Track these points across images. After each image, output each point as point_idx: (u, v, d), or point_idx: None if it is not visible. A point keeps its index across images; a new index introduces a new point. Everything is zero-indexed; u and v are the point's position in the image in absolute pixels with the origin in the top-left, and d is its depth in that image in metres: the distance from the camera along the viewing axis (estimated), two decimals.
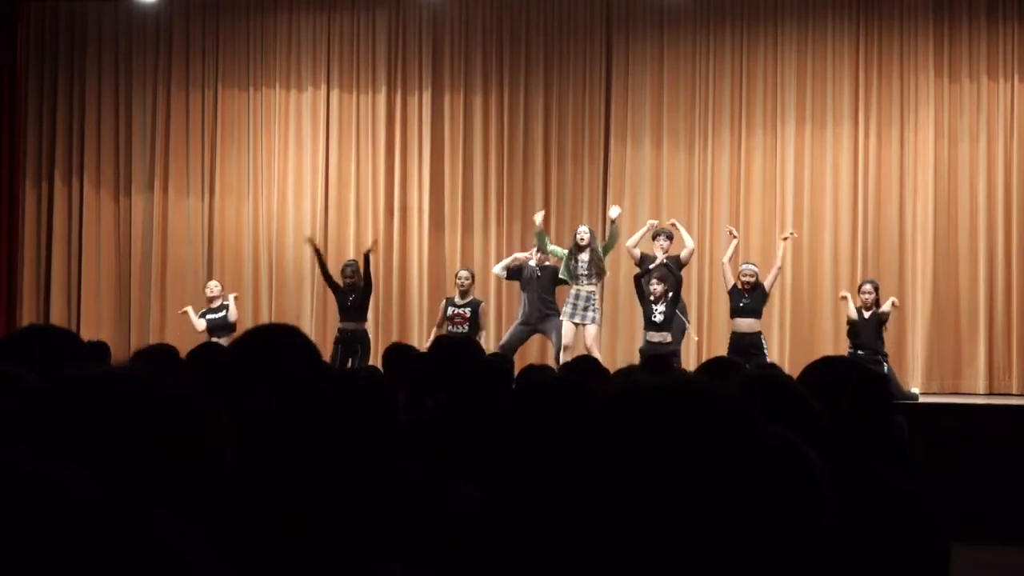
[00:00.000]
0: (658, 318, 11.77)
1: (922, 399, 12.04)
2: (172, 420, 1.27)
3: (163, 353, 4.90)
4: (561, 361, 11.68)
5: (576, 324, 12.20)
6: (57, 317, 14.49)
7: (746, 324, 12.02)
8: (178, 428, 1.27)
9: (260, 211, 14.84)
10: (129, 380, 1.31)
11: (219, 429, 1.30)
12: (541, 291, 12.37)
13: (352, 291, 12.53)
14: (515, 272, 12.51)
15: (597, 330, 12.30)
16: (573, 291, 12.20)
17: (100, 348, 6.68)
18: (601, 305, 12.98)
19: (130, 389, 1.30)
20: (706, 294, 14.10)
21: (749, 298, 12.10)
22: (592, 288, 12.24)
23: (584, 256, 12.25)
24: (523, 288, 12.47)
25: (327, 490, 2.14)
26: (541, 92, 14.63)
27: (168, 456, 1.25)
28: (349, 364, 12.05)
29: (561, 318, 12.24)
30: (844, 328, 12.35)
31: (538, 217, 12.64)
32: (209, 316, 12.97)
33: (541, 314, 12.36)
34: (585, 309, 12.16)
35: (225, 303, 13.04)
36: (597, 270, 12.22)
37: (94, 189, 15.01)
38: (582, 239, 12.21)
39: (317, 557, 2.02)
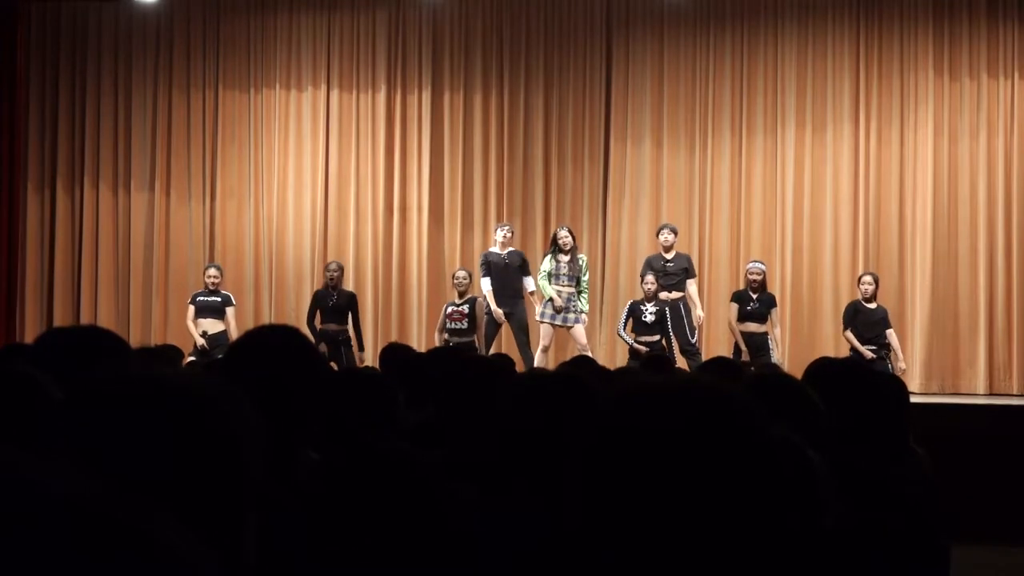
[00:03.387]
0: (648, 318, 11.98)
1: (922, 399, 12.03)
2: (199, 423, 1.27)
3: (168, 354, 4.89)
4: (536, 363, 11.73)
5: (558, 326, 12.24)
6: (59, 319, 14.50)
7: (754, 325, 12.10)
8: (205, 431, 1.26)
9: (260, 211, 14.83)
10: (156, 382, 1.30)
11: (247, 433, 1.29)
12: (510, 278, 12.42)
13: (334, 292, 12.57)
14: (486, 268, 12.53)
15: (583, 328, 12.32)
16: (552, 292, 12.23)
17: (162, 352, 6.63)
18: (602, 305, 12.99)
19: (157, 391, 1.29)
20: (706, 295, 14.09)
21: (758, 303, 12.13)
22: (572, 289, 12.25)
23: (565, 258, 12.25)
24: (491, 276, 12.48)
25: (327, 490, 2.13)
26: (541, 92, 14.62)
27: (193, 460, 1.25)
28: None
29: (539, 319, 12.28)
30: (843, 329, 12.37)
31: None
32: (200, 299, 12.84)
33: (511, 302, 12.40)
34: (567, 311, 12.18)
35: (225, 295, 12.92)
36: (576, 272, 12.25)
37: (94, 190, 15.01)
38: (565, 242, 12.23)
39: (319, 557, 2.01)
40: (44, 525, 0.66)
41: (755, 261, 12.51)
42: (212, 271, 13.05)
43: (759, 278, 12.21)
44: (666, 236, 12.54)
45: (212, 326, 12.57)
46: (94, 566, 0.66)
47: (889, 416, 3.34)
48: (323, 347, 12.14)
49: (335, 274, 12.71)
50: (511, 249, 12.67)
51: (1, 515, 0.66)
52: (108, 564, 0.67)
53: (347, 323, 12.64)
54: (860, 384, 3.26)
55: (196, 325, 12.69)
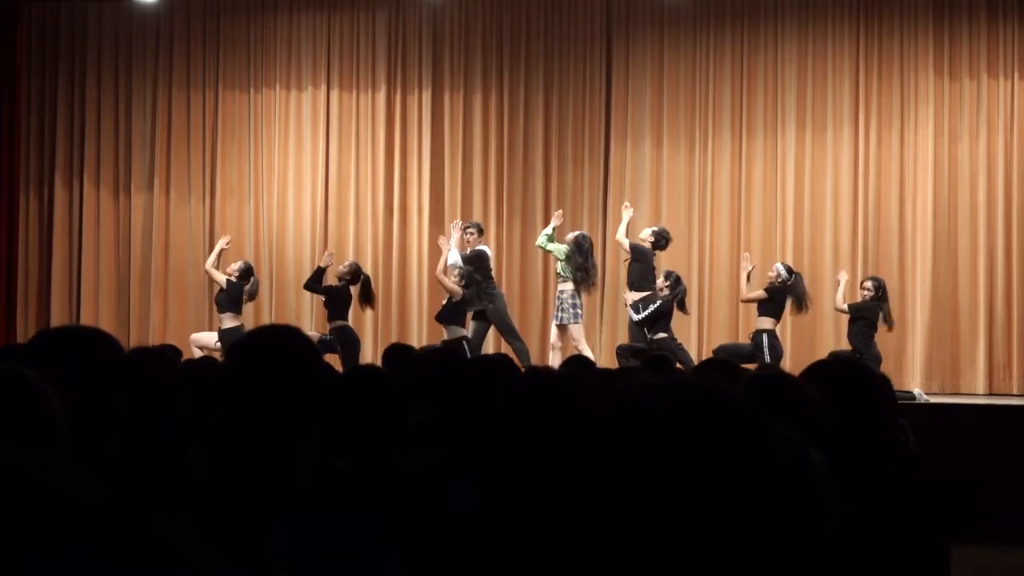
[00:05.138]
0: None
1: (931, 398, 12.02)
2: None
3: (166, 355, 4.87)
4: (551, 361, 11.73)
5: (555, 324, 12.28)
6: (57, 318, 14.49)
7: (757, 321, 12.12)
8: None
9: (260, 211, 14.84)
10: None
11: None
12: (485, 276, 12.43)
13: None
14: (474, 259, 12.40)
15: (576, 329, 12.20)
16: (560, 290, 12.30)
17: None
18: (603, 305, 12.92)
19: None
20: (706, 295, 14.10)
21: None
22: (563, 287, 12.23)
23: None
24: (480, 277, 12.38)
25: (327, 491, 2.14)
26: (541, 92, 14.62)
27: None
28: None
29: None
30: (844, 329, 12.37)
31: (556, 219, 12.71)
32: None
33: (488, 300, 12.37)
34: (560, 309, 12.20)
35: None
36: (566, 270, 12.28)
37: (94, 189, 15.01)
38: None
39: (317, 557, 2.02)
40: (47, 525, 0.67)
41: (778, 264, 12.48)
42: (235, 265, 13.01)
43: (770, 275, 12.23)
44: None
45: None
46: (98, 566, 0.66)
47: (885, 415, 3.34)
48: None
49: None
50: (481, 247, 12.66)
51: (4, 515, 0.66)
52: (112, 565, 0.67)
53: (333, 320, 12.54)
54: (859, 384, 3.26)
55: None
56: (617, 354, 12.06)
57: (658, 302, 11.90)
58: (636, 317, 11.89)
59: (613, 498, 1.23)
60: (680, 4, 14.27)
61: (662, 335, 11.83)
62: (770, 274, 12.21)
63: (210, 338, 12.67)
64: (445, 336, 12.05)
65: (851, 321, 11.98)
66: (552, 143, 14.60)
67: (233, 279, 12.65)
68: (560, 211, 13.17)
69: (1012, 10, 13.82)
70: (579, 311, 12.19)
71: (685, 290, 12.15)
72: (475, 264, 12.28)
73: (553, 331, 12.42)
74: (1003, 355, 13.53)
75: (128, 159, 15.01)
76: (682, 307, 12.09)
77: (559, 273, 12.30)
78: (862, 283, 12.35)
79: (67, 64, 15.14)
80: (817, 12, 14.19)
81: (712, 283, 14.10)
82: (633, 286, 12.10)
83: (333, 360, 11.67)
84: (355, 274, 12.57)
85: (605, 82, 14.55)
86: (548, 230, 12.51)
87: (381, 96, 14.77)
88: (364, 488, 2.35)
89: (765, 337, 11.90)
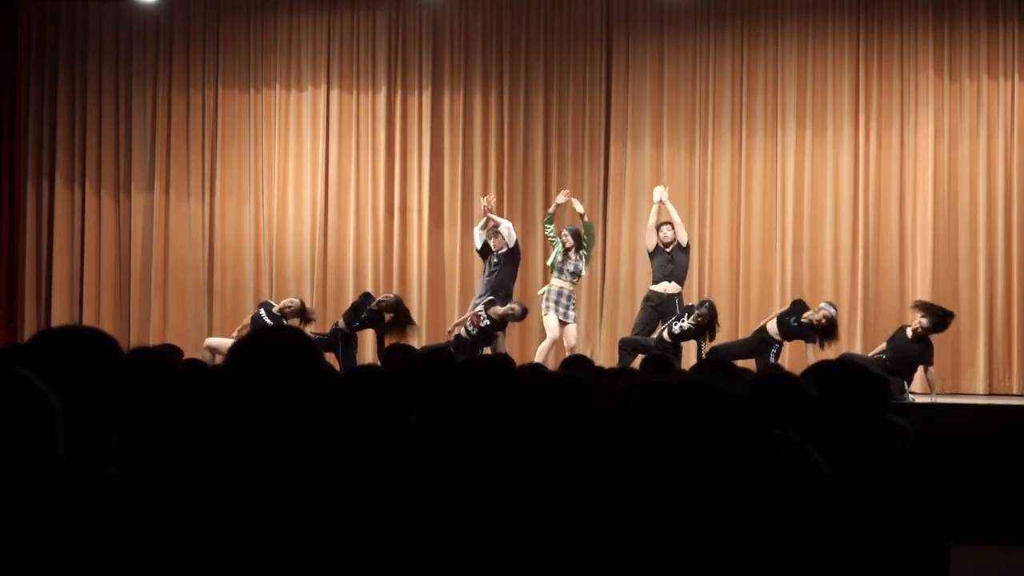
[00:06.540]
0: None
1: (922, 399, 12.03)
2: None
3: (166, 354, 4.87)
4: (540, 355, 11.78)
5: (560, 321, 12.28)
6: (58, 318, 14.49)
7: (769, 328, 12.10)
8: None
9: (260, 211, 14.84)
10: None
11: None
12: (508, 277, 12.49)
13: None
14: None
15: (575, 328, 12.30)
16: (556, 286, 12.26)
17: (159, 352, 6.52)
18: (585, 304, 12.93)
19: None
20: (706, 295, 14.08)
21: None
22: (569, 286, 12.27)
23: (571, 256, 12.31)
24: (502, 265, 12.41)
25: (327, 491, 2.14)
26: (541, 92, 14.63)
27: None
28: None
29: (543, 314, 12.32)
30: (845, 329, 12.36)
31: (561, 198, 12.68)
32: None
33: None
34: (567, 308, 12.23)
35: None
36: (574, 271, 12.29)
37: (94, 189, 15.01)
38: (568, 242, 12.30)
39: (316, 558, 2.02)
40: (47, 525, 0.66)
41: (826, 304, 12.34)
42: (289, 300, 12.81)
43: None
44: (665, 232, 12.53)
45: None
46: (97, 567, 0.66)
47: (882, 414, 3.34)
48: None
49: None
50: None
51: (4, 515, 0.66)
52: (112, 565, 0.67)
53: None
54: (859, 384, 3.26)
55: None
56: (620, 347, 12.11)
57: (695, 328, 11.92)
58: (686, 326, 11.84)
59: (613, 498, 1.23)
60: (680, 4, 14.27)
61: (668, 339, 11.88)
62: (817, 316, 11.86)
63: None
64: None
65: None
66: (552, 143, 14.60)
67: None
68: (567, 191, 13.01)
69: (1012, 10, 13.82)
70: (571, 310, 12.25)
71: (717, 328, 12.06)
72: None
73: (573, 330, 12.37)
74: (1003, 355, 13.54)
75: (128, 159, 15.01)
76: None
77: (560, 264, 12.28)
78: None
79: (67, 64, 15.14)
80: (817, 12, 14.19)
81: (712, 283, 14.10)
82: (680, 277, 12.22)
83: (332, 360, 11.68)
84: (394, 307, 12.44)
85: (605, 82, 14.55)
86: (552, 209, 12.59)
87: (381, 96, 14.77)
88: (363, 488, 2.35)
89: (774, 348, 11.87)
